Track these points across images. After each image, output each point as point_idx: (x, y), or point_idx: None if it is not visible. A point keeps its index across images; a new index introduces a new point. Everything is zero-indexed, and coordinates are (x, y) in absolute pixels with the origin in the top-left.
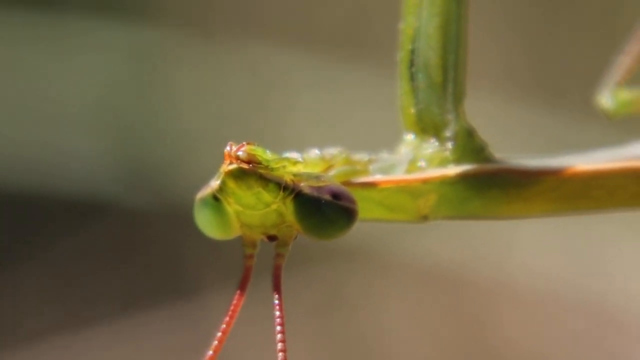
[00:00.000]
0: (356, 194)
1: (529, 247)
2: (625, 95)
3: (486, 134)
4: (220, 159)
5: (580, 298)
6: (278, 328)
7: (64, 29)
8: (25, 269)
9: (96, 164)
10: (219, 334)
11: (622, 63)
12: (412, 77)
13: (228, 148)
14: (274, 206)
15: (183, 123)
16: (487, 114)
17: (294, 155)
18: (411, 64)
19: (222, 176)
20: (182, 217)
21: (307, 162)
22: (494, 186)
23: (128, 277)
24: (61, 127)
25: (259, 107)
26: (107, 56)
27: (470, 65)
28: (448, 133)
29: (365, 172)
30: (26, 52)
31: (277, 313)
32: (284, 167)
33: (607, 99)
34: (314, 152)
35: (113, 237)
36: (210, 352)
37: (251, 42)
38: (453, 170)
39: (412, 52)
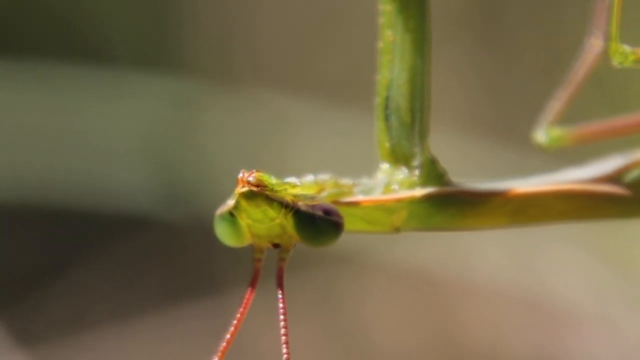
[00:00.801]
0: (343, 211)
1: (490, 252)
2: (556, 132)
3: (446, 163)
4: (235, 183)
5: (529, 294)
6: (281, 317)
7: (116, 79)
8: (85, 271)
9: (141, 189)
10: (234, 321)
11: (554, 105)
12: (387, 118)
13: (241, 174)
14: (277, 220)
15: (209, 156)
16: (447, 147)
17: (293, 180)
18: (386, 107)
19: (236, 197)
20: (208, 230)
21: (303, 186)
22: (452, 204)
23: (166, 278)
24: (114, 159)
25: (268, 142)
26: (150, 102)
27: (434, 108)
28: (415, 162)
29: (349, 193)
30: (85, 99)
31: (281, 305)
32: (285, 189)
33: (541, 135)
34: (309, 178)
35: (155, 245)
36: (228, 336)
37: (264, 91)
38: (420, 192)
39: (387, 98)
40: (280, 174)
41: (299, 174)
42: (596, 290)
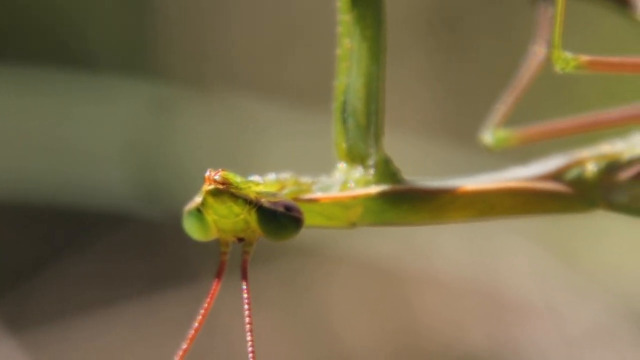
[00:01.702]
0: (303, 207)
1: (446, 244)
2: (502, 133)
3: (408, 161)
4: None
5: (483, 285)
6: (246, 307)
7: (96, 84)
8: (72, 262)
9: (121, 188)
10: (202, 310)
11: (500, 108)
12: (344, 121)
13: (208, 173)
14: (241, 216)
15: (183, 156)
16: (408, 146)
17: (256, 178)
18: (343, 111)
19: (203, 194)
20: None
21: (266, 184)
22: (405, 201)
23: (146, 268)
24: (94, 160)
25: (238, 143)
26: (129, 106)
27: (396, 110)
28: (370, 162)
29: (309, 190)
30: (66, 103)
31: (245, 296)
32: (249, 187)
33: (488, 136)
34: (272, 176)
35: (135, 238)
36: (196, 324)
37: (235, 95)
38: (374, 189)
39: (344, 102)
40: (249, 173)
41: (266, 172)
42: (546, 282)
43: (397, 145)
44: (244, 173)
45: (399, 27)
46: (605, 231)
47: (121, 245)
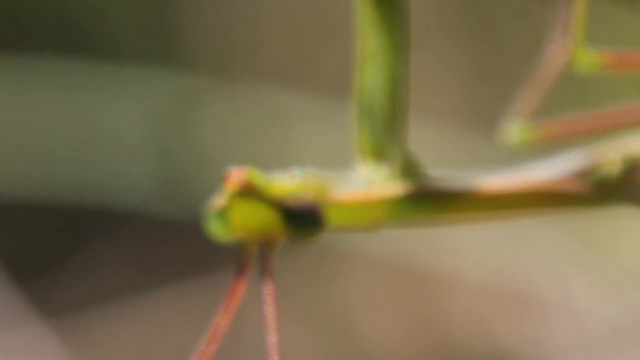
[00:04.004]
0: (326, 208)
1: (471, 242)
2: (524, 128)
3: (425, 151)
4: (227, 180)
5: (510, 283)
6: (269, 307)
7: (120, 76)
8: (100, 251)
9: (148, 178)
10: (226, 307)
11: (523, 103)
12: (367, 118)
13: (231, 172)
14: (265, 217)
15: (210, 149)
16: (426, 136)
17: (280, 177)
18: (366, 107)
19: (226, 194)
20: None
21: (289, 184)
22: (430, 200)
23: (173, 258)
24: (121, 152)
25: (266, 137)
26: (152, 98)
27: (414, 99)
28: (394, 159)
29: (333, 190)
30: (89, 95)
31: (269, 296)
32: (272, 187)
33: (509, 131)
34: (296, 175)
35: (163, 227)
36: (221, 319)
37: (262, 87)
38: (399, 189)
39: (366, 99)
40: (274, 165)
41: (292, 165)
42: (572, 280)
43: (422, 134)
44: (270, 165)
45: (424, 13)
46: (632, 229)
47: (150, 234)
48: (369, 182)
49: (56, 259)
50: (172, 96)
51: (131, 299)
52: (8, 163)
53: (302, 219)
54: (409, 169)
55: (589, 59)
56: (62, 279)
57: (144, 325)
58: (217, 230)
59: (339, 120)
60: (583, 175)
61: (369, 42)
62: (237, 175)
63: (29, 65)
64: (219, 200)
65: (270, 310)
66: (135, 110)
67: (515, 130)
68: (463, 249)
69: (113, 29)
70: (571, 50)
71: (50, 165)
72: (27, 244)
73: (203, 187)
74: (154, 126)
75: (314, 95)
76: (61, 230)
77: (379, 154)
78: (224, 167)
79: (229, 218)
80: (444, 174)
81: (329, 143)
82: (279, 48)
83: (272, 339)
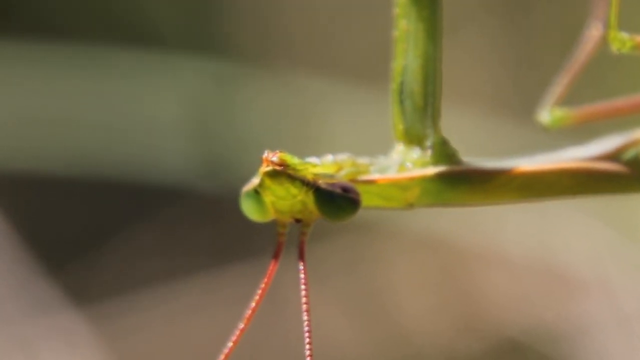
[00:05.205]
0: (360, 188)
1: (508, 219)
2: (559, 113)
3: (457, 139)
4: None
5: (543, 261)
6: (303, 287)
7: (160, 60)
8: (135, 235)
9: (183, 161)
10: (260, 288)
11: (556, 88)
12: (401, 102)
13: (265, 154)
14: (299, 197)
15: (246, 133)
16: (459, 124)
17: (314, 159)
18: (400, 92)
19: (260, 175)
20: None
21: (323, 165)
22: (462, 182)
23: (208, 241)
24: (158, 135)
25: (299, 120)
26: (191, 81)
27: (447, 87)
28: (428, 143)
29: (366, 172)
30: (132, 79)
31: (302, 276)
32: (306, 168)
33: (544, 116)
34: (329, 157)
35: (198, 211)
36: (253, 304)
37: (298, 72)
38: (432, 170)
39: (401, 84)
40: (309, 150)
41: (328, 150)
42: (606, 258)
43: (457, 120)
44: (305, 150)
45: (457, 1)
46: None
47: (184, 218)
48: (403, 165)
49: (93, 243)
50: (211, 80)
51: (167, 284)
52: (50, 144)
53: (336, 199)
54: (443, 154)
55: (621, 43)
56: (97, 264)
57: (179, 313)
58: (251, 211)
59: (377, 106)
60: (617, 154)
61: (403, 24)
62: (271, 157)
63: (72, 52)
64: (254, 181)
65: (304, 290)
66: (176, 95)
67: (550, 114)
68: (501, 226)
69: (153, 15)
70: (605, 34)
71: (92, 148)
72: (64, 227)
73: (242, 170)
74: (194, 110)
75: (348, 81)
76: (100, 213)
77: (412, 138)
78: (259, 148)
79: (262, 198)
80: (477, 159)
81: (362, 127)
82: (316, 34)
83: (307, 320)
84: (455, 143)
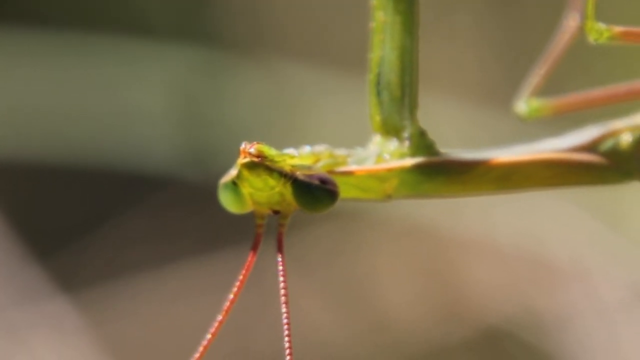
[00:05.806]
0: (338, 180)
1: (491, 209)
2: (535, 103)
3: (441, 127)
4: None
5: (524, 249)
6: (281, 278)
7: (146, 47)
8: (122, 222)
9: (168, 149)
10: (238, 282)
11: (534, 78)
12: (378, 93)
13: (243, 145)
14: (277, 189)
15: (231, 121)
16: (446, 118)
17: (291, 151)
18: (377, 83)
19: (238, 167)
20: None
21: (301, 156)
22: (440, 173)
23: (193, 228)
24: (144, 122)
25: (282, 109)
26: (179, 70)
27: (433, 76)
28: (405, 134)
29: (344, 163)
30: (115, 66)
31: (280, 267)
32: (284, 160)
33: (521, 106)
34: (307, 148)
35: (184, 199)
36: (231, 296)
37: (282, 61)
38: (409, 161)
39: (378, 75)
40: (292, 139)
41: (310, 138)
42: (589, 247)
43: (436, 110)
44: (292, 139)
45: None
46: None
47: (171, 206)
48: (381, 156)
49: (81, 230)
50: (200, 70)
51: (155, 271)
52: (38, 132)
53: (314, 190)
54: (421, 145)
55: (598, 33)
56: (85, 252)
57: (167, 299)
58: (229, 202)
59: (365, 96)
60: (594, 145)
61: (380, 15)
62: (249, 148)
63: (56, 39)
64: (231, 172)
65: (282, 281)
66: (163, 83)
67: (527, 105)
68: (483, 214)
69: (142, 6)
70: (582, 25)
71: (80, 136)
72: (52, 215)
73: (230, 158)
74: (182, 98)
75: (340, 71)
76: (87, 200)
77: (390, 129)
78: (243, 136)
79: (240, 190)
80: (455, 150)
81: (353, 117)
82: (302, 24)
83: (285, 309)
84: (443, 133)
